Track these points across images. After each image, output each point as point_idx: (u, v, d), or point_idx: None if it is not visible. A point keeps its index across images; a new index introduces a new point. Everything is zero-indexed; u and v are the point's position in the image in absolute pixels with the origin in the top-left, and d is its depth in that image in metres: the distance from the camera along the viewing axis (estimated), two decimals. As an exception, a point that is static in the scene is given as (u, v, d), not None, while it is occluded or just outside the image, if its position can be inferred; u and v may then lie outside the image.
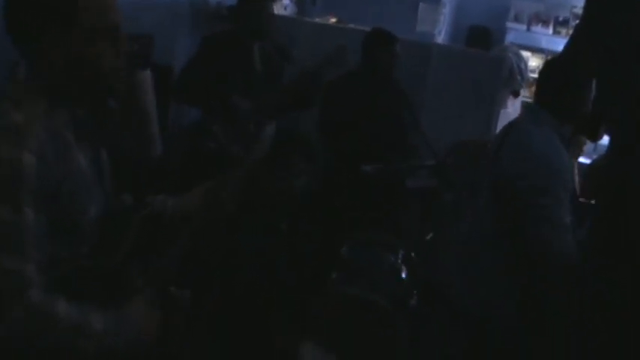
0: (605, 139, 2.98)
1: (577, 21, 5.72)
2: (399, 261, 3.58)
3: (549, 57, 5.95)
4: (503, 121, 4.99)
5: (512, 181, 2.91)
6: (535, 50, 7.92)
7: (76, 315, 1.78)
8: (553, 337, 2.81)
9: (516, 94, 5.92)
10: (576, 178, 3.72)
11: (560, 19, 8.27)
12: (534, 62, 7.47)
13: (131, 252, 1.97)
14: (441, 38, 7.84)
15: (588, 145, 4.53)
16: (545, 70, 3.17)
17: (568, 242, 2.76)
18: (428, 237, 4.38)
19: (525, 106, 3.76)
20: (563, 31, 8.11)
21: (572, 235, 2.80)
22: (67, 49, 1.87)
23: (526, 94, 6.08)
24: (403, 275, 3.53)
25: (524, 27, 8.35)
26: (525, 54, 6.79)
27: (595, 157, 4.69)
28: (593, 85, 2.96)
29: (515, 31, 8.33)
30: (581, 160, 4.66)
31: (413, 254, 3.71)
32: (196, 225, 2.01)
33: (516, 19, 8.41)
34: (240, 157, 3.33)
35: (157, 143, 2.41)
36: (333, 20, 6.99)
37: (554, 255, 2.77)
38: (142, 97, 2.34)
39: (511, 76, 5.76)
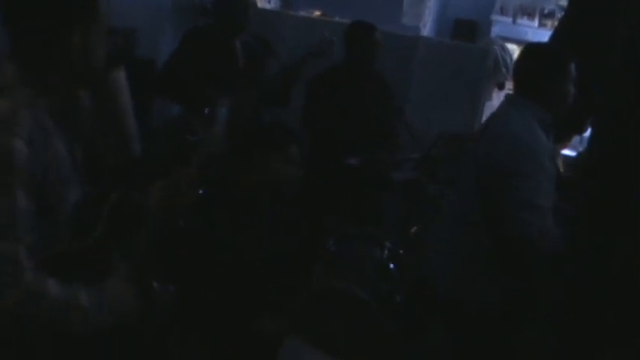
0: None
1: (562, 13, 5.73)
2: (386, 255, 3.56)
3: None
4: (488, 114, 4.98)
5: (489, 165, 2.92)
6: (521, 43, 7.86)
7: (65, 292, 1.84)
8: (536, 323, 2.82)
9: (501, 87, 5.93)
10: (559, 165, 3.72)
11: (546, 11, 8.28)
12: (520, 55, 7.46)
13: (106, 236, 2.00)
14: (426, 31, 7.81)
15: (575, 138, 4.55)
16: (522, 56, 3.17)
17: (545, 225, 2.77)
18: (413, 230, 4.37)
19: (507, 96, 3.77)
20: (549, 23, 8.11)
21: (550, 218, 2.80)
22: (69, 43, 1.93)
23: (511, 87, 6.07)
24: (390, 270, 3.52)
25: (509, 20, 8.35)
26: (511, 47, 6.79)
27: (581, 149, 4.70)
28: (571, 69, 2.96)
29: (500, 24, 8.33)
30: (567, 152, 4.67)
31: (398, 248, 3.70)
32: (159, 215, 2.03)
33: (502, 12, 8.41)
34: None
35: (134, 139, 2.39)
36: (318, 14, 6.96)
37: (532, 237, 2.77)
38: (118, 92, 2.33)
39: (496, 69, 5.76)
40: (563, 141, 3.84)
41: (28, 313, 1.80)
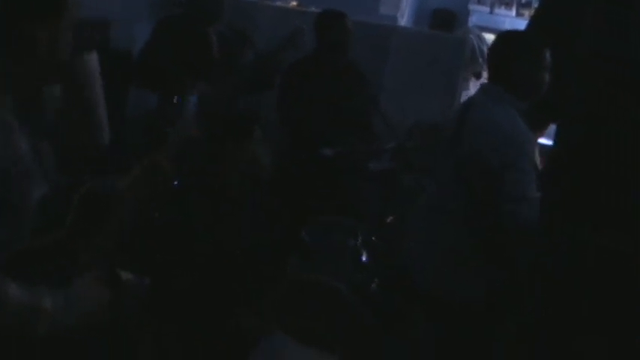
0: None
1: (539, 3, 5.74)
2: (359, 245, 3.56)
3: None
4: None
5: (477, 158, 2.90)
6: (498, 32, 7.92)
7: (25, 295, 1.79)
8: (521, 314, 2.81)
9: (478, 76, 5.95)
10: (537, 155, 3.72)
11: (523, 1, 8.28)
12: (497, 44, 7.47)
13: (74, 230, 1.98)
14: (404, 21, 7.80)
15: (550, 127, 4.55)
16: (497, 44, 3.16)
17: (531, 216, 2.75)
18: (389, 220, 4.37)
19: (482, 85, 3.77)
20: (526, 13, 8.10)
21: (536, 209, 2.78)
22: (34, 39, 1.86)
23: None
24: (363, 259, 3.52)
25: (487, 9, 8.35)
26: (488, 36, 6.80)
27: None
28: (545, 56, 2.96)
29: (478, 14, 8.33)
30: (543, 141, 4.68)
31: (373, 238, 3.70)
32: (133, 199, 2.02)
33: (479, 2, 8.41)
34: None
35: (104, 130, 2.37)
36: (294, 4, 6.94)
37: (519, 230, 2.77)
38: (87, 83, 2.30)
39: (473, 58, 5.78)
40: (540, 129, 3.84)
41: None
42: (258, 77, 4.58)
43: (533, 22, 3.99)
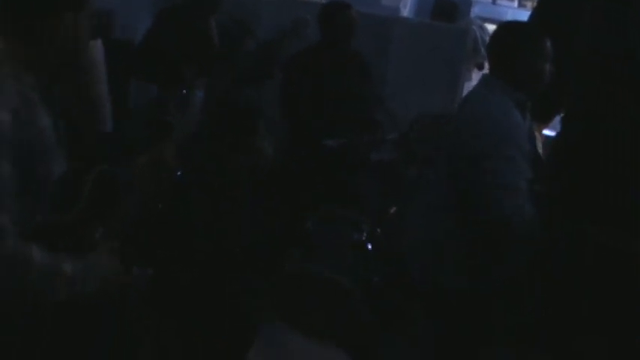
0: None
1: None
2: (364, 237, 3.57)
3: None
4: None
5: (462, 147, 2.91)
6: (500, 23, 7.91)
7: (48, 260, 1.85)
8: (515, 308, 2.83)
9: (480, 67, 5.95)
10: (539, 145, 3.72)
11: (525, -8, 8.28)
12: (500, 35, 7.47)
13: (88, 209, 2.02)
14: (406, 11, 7.80)
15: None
16: (496, 35, 3.16)
17: (520, 206, 2.75)
18: (391, 211, 4.38)
19: (483, 76, 3.77)
20: (529, 4, 8.10)
21: (526, 199, 2.78)
22: (59, 26, 1.97)
23: (490, 67, 6.09)
24: (367, 251, 3.53)
25: (489, 0, 8.35)
26: (491, 27, 6.78)
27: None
28: (547, 47, 2.96)
29: (480, 4, 8.31)
30: (547, 132, 4.68)
31: (378, 230, 3.70)
32: (138, 189, 2.07)
33: (482, -8, 8.41)
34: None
35: (106, 117, 2.40)
36: (298, -6, 6.93)
37: (507, 219, 2.76)
38: (91, 69, 2.35)
39: (475, 49, 5.78)
40: (545, 121, 3.84)
41: (12, 279, 1.81)
42: (259, 66, 4.59)
43: (533, 17, 3.99)
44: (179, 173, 3.02)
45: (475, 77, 5.88)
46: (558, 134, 2.96)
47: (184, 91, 4.33)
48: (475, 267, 2.93)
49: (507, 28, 3.18)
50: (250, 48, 4.69)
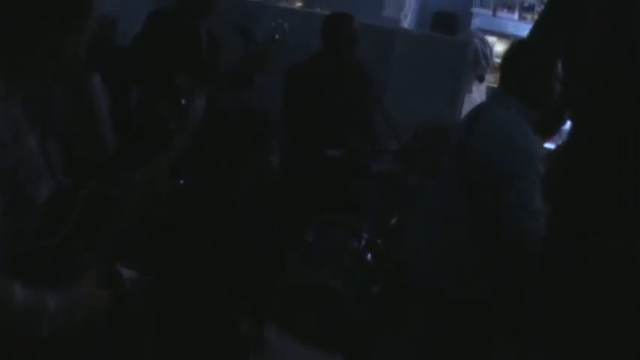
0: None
1: (542, 7, 5.76)
2: (363, 246, 3.56)
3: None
4: (468, 106, 5.01)
5: (484, 167, 2.90)
6: (501, 35, 7.93)
7: (30, 296, 1.79)
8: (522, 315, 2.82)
9: (481, 79, 5.96)
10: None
11: (526, 4, 8.29)
12: (500, 47, 7.46)
13: (77, 231, 1.99)
14: (407, 23, 7.82)
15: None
16: (509, 54, 3.17)
17: (538, 229, 2.76)
18: (392, 221, 4.38)
19: (491, 91, 3.78)
20: (529, 16, 8.12)
21: (541, 220, 2.79)
22: (60, 45, 1.90)
23: (491, 80, 6.11)
24: (367, 260, 3.52)
25: (489, 12, 8.36)
26: (491, 39, 6.81)
27: (560, 142, 4.72)
28: (558, 67, 2.96)
29: (480, 17, 8.33)
30: (546, 145, 4.68)
31: (379, 241, 3.70)
32: (136, 203, 2.05)
33: (482, 5, 8.41)
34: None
35: (107, 135, 2.40)
36: (299, 4, 6.96)
37: (529, 240, 2.77)
38: (91, 92, 2.34)
39: (476, 61, 5.79)
40: (548, 136, 3.85)
41: None
42: (238, 75, 4.56)
43: (536, 27, 3.99)
44: (182, 182, 3.02)
45: (475, 89, 5.89)
46: (559, 145, 2.97)
47: (183, 101, 4.30)
48: (485, 281, 2.92)
49: (522, 47, 3.19)
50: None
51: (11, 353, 1.88)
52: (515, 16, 8.28)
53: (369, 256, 3.45)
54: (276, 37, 4.45)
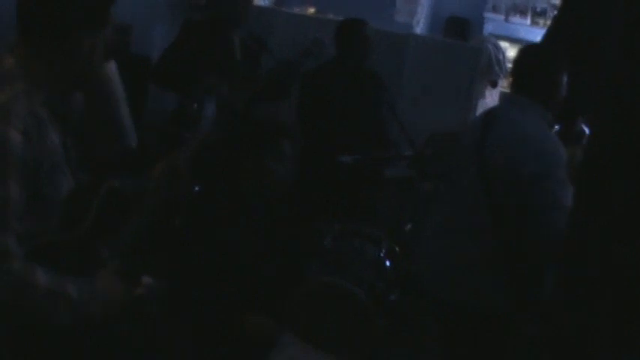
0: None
1: (555, 11, 5.75)
2: (382, 254, 3.55)
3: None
4: (481, 112, 5.00)
5: (510, 170, 2.90)
6: (513, 41, 7.92)
7: (53, 283, 1.86)
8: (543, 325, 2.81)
9: (494, 85, 5.95)
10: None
11: (538, 9, 8.29)
12: (512, 53, 7.47)
13: (95, 227, 2.02)
14: (419, 29, 7.83)
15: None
16: (521, 57, 3.17)
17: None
18: (407, 228, 4.38)
19: (504, 95, 3.78)
20: (541, 21, 8.12)
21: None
22: (80, 47, 2.00)
23: (504, 85, 6.10)
24: (386, 267, 3.51)
25: (502, 17, 8.36)
26: (503, 44, 6.80)
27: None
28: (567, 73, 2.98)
29: (493, 22, 8.33)
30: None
31: (397, 248, 3.69)
32: (152, 199, 2.09)
33: (494, 10, 8.41)
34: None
35: (128, 131, 2.42)
36: (312, 11, 6.96)
37: (560, 238, 2.76)
38: (109, 84, 2.36)
39: (489, 67, 5.78)
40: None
41: (16, 302, 1.81)
42: (278, 85, 4.60)
43: (553, 32, 3.99)
44: (197, 188, 3.03)
45: (488, 95, 5.89)
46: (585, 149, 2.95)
47: (195, 105, 4.33)
48: (504, 283, 2.92)
49: (537, 50, 3.20)
50: (269, 65, 4.71)
51: (34, 342, 1.92)
52: (528, 21, 8.27)
53: (389, 263, 3.44)
54: (314, 51, 4.50)
